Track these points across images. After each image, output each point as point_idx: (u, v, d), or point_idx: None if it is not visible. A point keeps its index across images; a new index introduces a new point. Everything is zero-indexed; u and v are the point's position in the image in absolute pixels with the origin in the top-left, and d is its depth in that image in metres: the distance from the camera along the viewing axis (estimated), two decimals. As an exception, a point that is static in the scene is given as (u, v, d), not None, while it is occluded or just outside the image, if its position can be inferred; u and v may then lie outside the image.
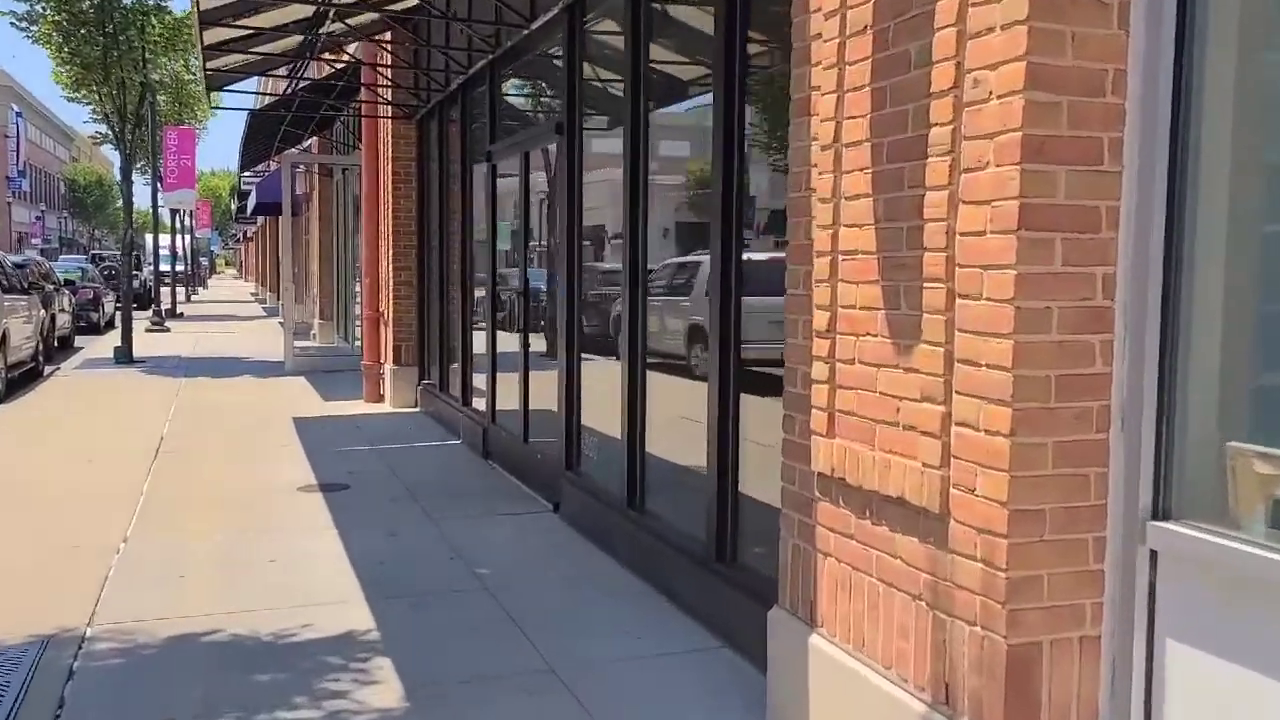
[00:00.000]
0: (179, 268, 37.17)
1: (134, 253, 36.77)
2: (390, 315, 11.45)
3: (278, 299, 31.00)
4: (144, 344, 18.28)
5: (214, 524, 6.37)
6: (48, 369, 15.22)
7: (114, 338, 16.86)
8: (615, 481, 5.73)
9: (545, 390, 7.29)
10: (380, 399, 11.68)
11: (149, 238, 27.71)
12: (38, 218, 70.66)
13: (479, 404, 8.89)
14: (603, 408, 6.29)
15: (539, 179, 7.41)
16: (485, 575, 5.35)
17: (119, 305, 17.35)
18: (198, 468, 8.09)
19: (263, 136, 15.50)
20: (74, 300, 21.42)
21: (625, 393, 5.53)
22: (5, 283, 13.65)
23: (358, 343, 16.32)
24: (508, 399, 8.10)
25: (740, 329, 4.42)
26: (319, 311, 20.66)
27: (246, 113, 12.34)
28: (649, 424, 5.48)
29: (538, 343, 7.44)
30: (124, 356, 15.95)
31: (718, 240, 4.44)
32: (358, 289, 16.26)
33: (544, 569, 5.49)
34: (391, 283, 11.36)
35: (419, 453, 8.83)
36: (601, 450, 6.15)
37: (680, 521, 5.05)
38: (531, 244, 7.45)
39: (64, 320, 19.61)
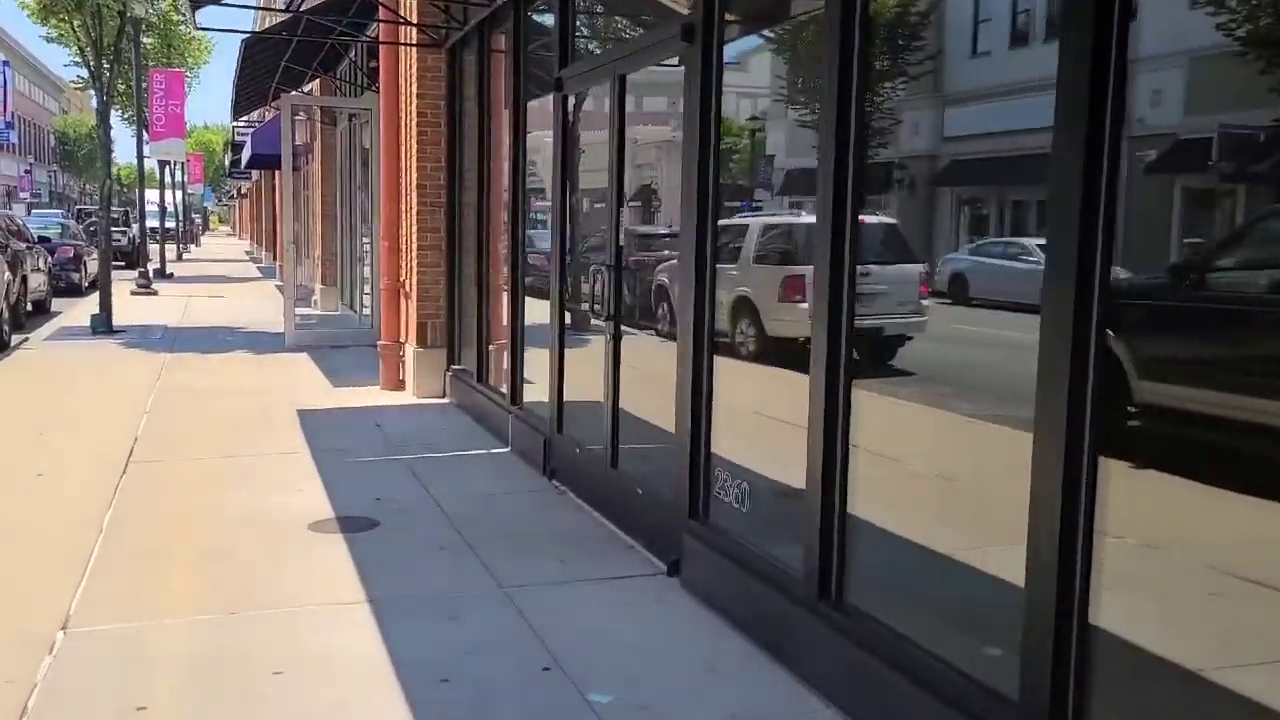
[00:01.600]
0: (170, 224, 35.07)
1: (123, 208, 34.65)
2: (413, 286, 9.51)
3: (274, 258, 28.97)
4: (128, 309, 16.35)
5: (194, 594, 4.49)
6: (15, 339, 13.29)
7: (95, 302, 14.88)
8: (790, 551, 3.86)
9: (647, 398, 5.41)
10: (400, 385, 9.78)
11: (144, 194, 25.45)
12: (26, 171, 68.32)
13: (536, 404, 6.99)
14: (754, 432, 4.43)
15: (643, 110, 5.48)
16: (611, 710, 3.48)
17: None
18: (177, 489, 6.20)
19: (259, 75, 13.47)
20: (51, 259, 19.40)
21: (820, 416, 3.62)
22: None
23: (366, 312, 14.45)
24: (583, 404, 6.21)
25: (1101, 324, 2.53)
26: (321, 275, 18.68)
27: (240, 43, 10.35)
28: (854, 467, 3.59)
29: (634, 333, 5.53)
30: (102, 325, 14.01)
31: (1076, 182, 2.54)
32: (365, 243, 14.34)
33: (695, 698, 3.62)
34: (415, 247, 9.41)
35: (460, 467, 6.94)
36: (756, 497, 4.27)
37: (938, 643, 3.17)
38: (626, 199, 5.50)
39: (39, 282, 17.63)
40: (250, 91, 15.13)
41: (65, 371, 10.77)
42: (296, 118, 16.38)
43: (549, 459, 6.53)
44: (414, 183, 9.36)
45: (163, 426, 7.95)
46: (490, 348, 8.42)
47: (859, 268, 3.55)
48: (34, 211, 32.51)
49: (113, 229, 29.89)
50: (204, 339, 13.50)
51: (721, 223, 4.55)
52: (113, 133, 15.14)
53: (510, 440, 7.38)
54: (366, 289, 14.62)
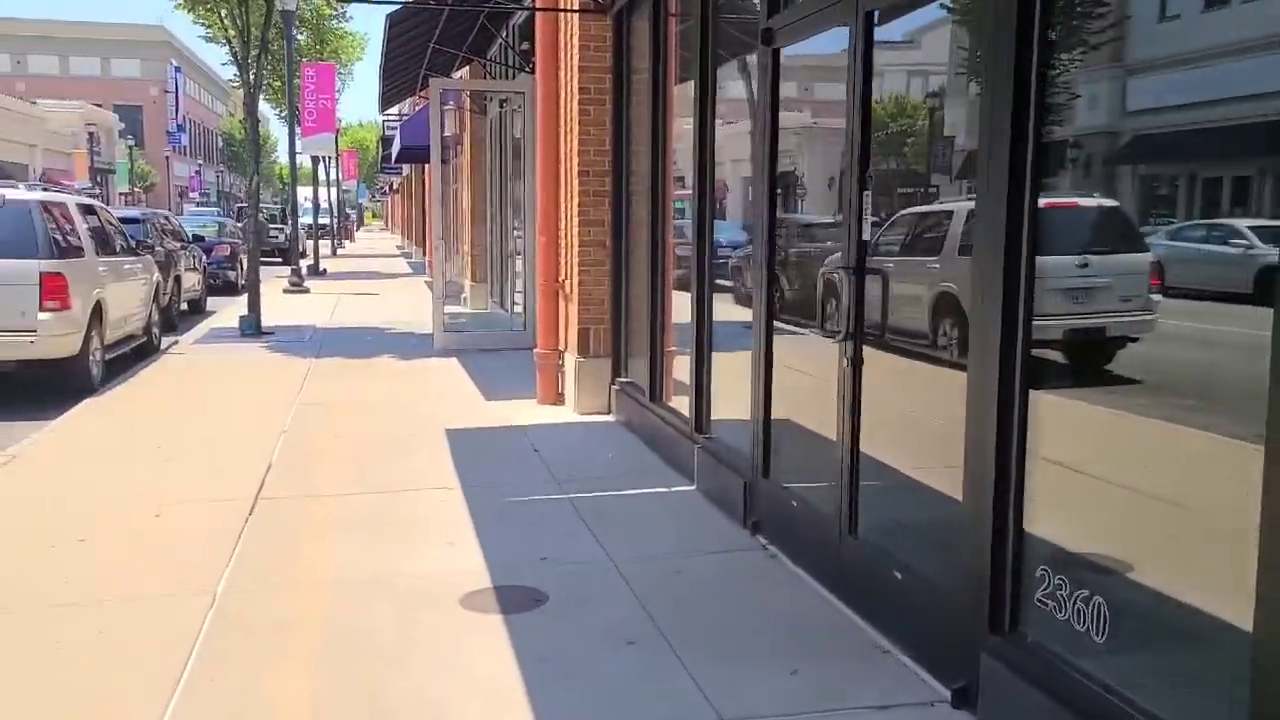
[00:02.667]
0: (324, 221, 35.39)
1: (281, 206, 35.18)
2: (573, 287, 8.37)
3: (424, 254, 28.68)
4: (279, 308, 15.91)
5: (314, 710, 3.38)
6: (165, 341, 12.87)
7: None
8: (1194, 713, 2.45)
9: (904, 445, 4.04)
10: (559, 400, 8.67)
11: (297, 191, 25.36)
12: (195, 172, 71.50)
13: (732, 435, 5.70)
14: (1066, 493, 3.04)
15: (892, 57, 4.11)
16: None
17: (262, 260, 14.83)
18: (308, 539, 5.18)
19: (407, 60, 12.64)
20: (207, 258, 19.30)
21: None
22: (108, 243, 11.19)
23: (518, 310, 13.49)
24: (802, 442, 4.88)
25: None
26: (471, 271, 17.90)
27: (385, 18, 9.44)
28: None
29: (879, 354, 4.16)
30: (251, 327, 13.49)
31: None
32: (517, 236, 13.39)
33: None
34: (576, 243, 8.25)
35: (638, 511, 5.71)
36: (1115, 615, 2.85)
37: None
38: (871, 181, 4.13)
39: (193, 281, 17.46)
40: (398, 79, 14.39)
41: (207, 379, 10.11)
42: (445, 107, 15.60)
43: (750, 508, 5.23)
44: (575, 169, 8.20)
45: (300, 451, 7.02)
46: (667, 359, 7.19)
47: (1074, 259, 3.21)
48: (190, 210, 33.21)
49: (271, 225, 30.37)
50: (352, 341, 12.78)
51: (919, 209, 4.18)
52: (270, 131, 14.61)
53: (695, 476, 6.11)
54: (518, 286, 13.70)
